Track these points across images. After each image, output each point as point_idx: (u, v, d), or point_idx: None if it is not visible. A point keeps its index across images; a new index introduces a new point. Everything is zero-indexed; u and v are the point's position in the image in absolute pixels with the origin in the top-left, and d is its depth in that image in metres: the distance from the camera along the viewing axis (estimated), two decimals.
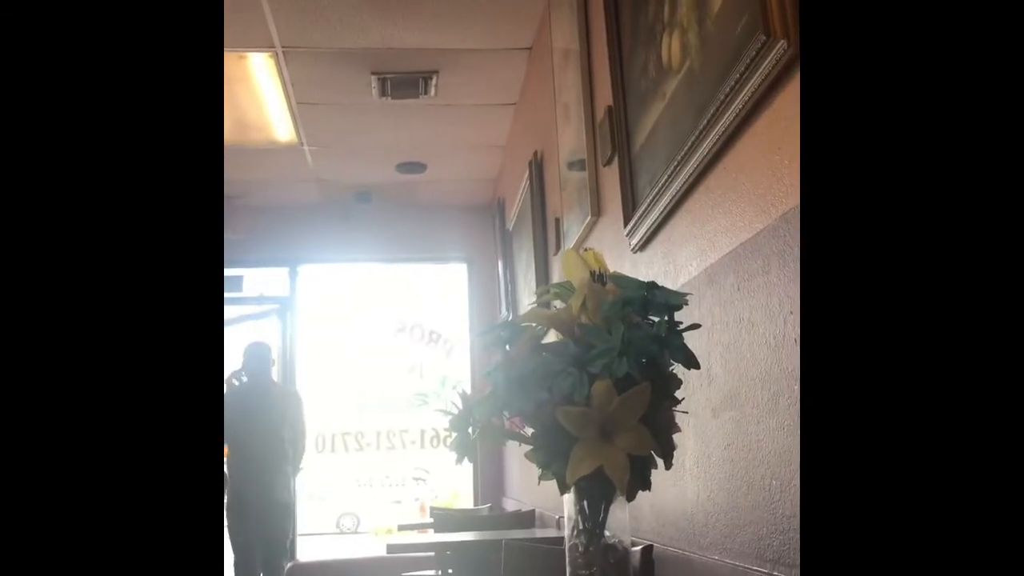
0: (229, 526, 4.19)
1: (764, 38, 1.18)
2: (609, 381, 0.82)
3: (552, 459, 0.85)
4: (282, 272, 5.65)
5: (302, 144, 4.52)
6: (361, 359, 5.73)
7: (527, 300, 3.87)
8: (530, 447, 0.87)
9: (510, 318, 4.40)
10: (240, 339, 4.73)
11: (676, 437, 0.90)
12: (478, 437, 0.90)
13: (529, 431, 0.88)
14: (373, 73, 3.76)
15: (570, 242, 2.69)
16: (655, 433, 0.85)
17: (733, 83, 1.30)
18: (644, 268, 1.89)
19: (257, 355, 4.51)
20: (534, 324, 0.93)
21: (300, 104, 4.05)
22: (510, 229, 4.41)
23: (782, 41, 1.15)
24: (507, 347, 0.92)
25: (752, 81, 1.24)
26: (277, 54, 3.56)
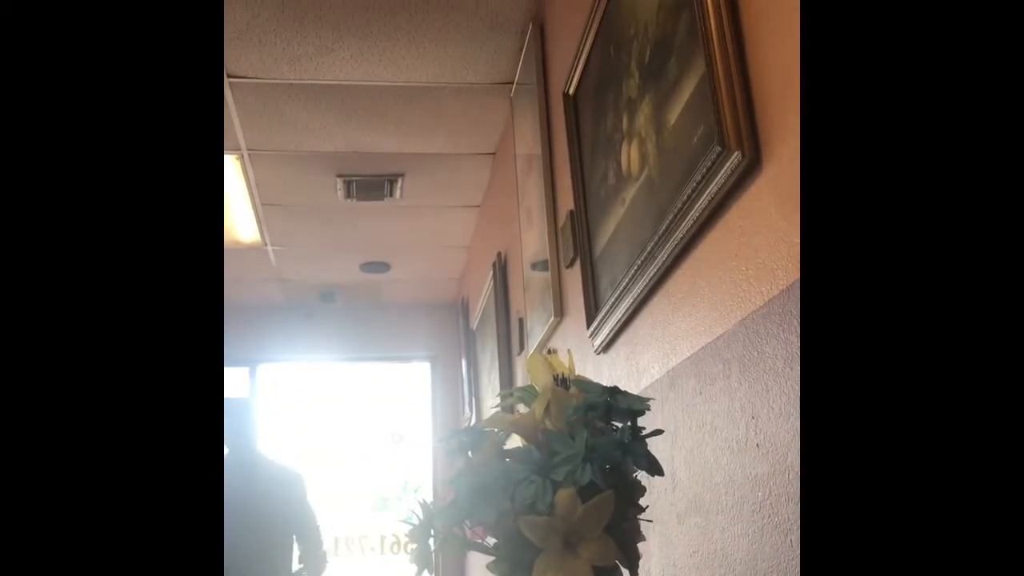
0: None
1: (719, 149, 1.22)
2: (573, 489, 0.81)
3: (515, 570, 0.83)
4: (242, 372, 5.57)
5: (266, 244, 4.53)
6: (320, 460, 5.59)
7: (491, 399, 3.84)
8: (492, 558, 0.85)
9: (473, 418, 4.35)
10: None
11: (641, 545, 0.89)
12: (439, 548, 0.88)
13: (491, 541, 0.86)
14: (339, 176, 3.82)
15: (534, 342, 2.70)
16: (620, 542, 0.84)
17: (690, 192, 1.34)
18: (607, 370, 1.90)
19: (236, 415, 3.19)
20: (496, 429, 0.92)
21: (265, 205, 4.08)
22: (474, 328, 4.41)
23: (736, 152, 1.19)
24: (469, 453, 0.91)
25: (708, 191, 1.28)
26: (243, 156, 3.60)
